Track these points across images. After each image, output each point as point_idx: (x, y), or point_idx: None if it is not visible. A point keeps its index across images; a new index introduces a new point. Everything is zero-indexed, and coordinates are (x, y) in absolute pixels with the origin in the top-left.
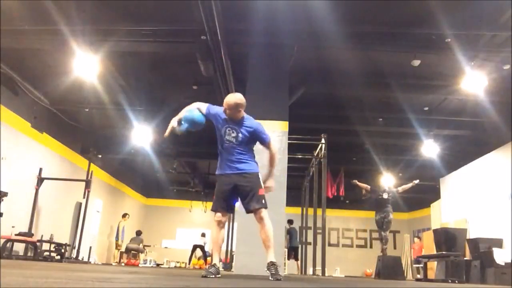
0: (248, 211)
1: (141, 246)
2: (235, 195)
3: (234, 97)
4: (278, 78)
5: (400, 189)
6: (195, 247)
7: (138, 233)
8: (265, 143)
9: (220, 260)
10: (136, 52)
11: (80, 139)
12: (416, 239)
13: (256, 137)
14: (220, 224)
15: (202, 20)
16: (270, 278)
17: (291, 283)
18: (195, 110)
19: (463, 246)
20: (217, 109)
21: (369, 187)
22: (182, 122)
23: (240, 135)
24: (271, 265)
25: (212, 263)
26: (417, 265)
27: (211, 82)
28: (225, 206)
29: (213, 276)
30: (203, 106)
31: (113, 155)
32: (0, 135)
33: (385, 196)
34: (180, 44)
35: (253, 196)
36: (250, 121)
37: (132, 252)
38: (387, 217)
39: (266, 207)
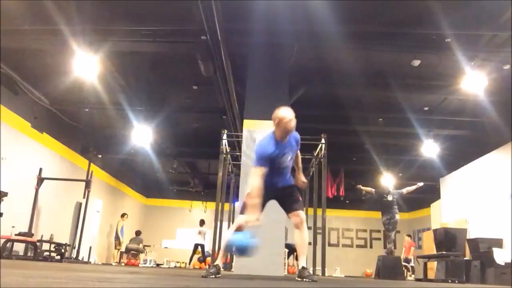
0: (289, 212)
1: (140, 246)
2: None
3: (290, 110)
4: (278, 78)
5: (405, 191)
6: (196, 246)
7: (138, 233)
8: (297, 150)
9: None
10: (136, 52)
11: (80, 139)
12: (406, 237)
13: (296, 147)
14: (241, 228)
15: (202, 20)
16: (305, 280)
17: (291, 283)
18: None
19: (463, 246)
20: (263, 150)
21: (373, 190)
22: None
23: (290, 152)
24: (304, 269)
25: (215, 263)
26: (406, 264)
27: (211, 82)
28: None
29: (213, 276)
30: (263, 169)
31: (113, 155)
32: (0, 135)
33: (389, 198)
34: (180, 44)
35: (295, 199)
36: (292, 135)
37: (132, 252)
38: (393, 218)
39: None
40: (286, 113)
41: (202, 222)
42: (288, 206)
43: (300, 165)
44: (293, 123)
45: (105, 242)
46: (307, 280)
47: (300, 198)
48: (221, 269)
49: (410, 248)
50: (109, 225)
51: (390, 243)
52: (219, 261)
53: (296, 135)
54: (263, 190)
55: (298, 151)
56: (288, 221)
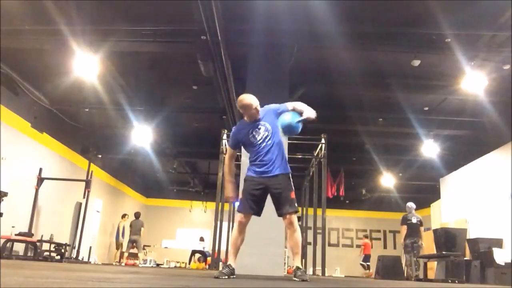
0: (279, 214)
1: (142, 230)
2: (264, 198)
3: (244, 98)
4: (278, 78)
5: (422, 229)
6: (193, 252)
7: (137, 215)
8: (287, 109)
9: (220, 260)
10: (136, 52)
11: (80, 139)
12: (364, 238)
13: (280, 115)
14: (241, 225)
15: (202, 20)
16: (296, 279)
17: (291, 283)
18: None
19: (463, 246)
20: (236, 132)
21: (405, 226)
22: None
23: (269, 128)
24: (297, 269)
25: (227, 263)
26: (364, 263)
27: (211, 82)
28: (254, 208)
29: (226, 277)
30: (230, 150)
31: (113, 155)
32: (0, 135)
33: (414, 220)
34: (180, 44)
35: (285, 199)
36: (266, 110)
37: (131, 252)
38: (417, 242)
39: (297, 211)
40: (239, 98)
41: (201, 239)
42: (279, 209)
43: (302, 106)
44: (242, 103)
45: (105, 242)
46: (297, 279)
47: (293, 194)
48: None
49: (361, 247)
50: (109, 225)
51: (418, 269)
52: (231, 261)
53: (272, 107)
54: (232, 171)
55: (295, 105)
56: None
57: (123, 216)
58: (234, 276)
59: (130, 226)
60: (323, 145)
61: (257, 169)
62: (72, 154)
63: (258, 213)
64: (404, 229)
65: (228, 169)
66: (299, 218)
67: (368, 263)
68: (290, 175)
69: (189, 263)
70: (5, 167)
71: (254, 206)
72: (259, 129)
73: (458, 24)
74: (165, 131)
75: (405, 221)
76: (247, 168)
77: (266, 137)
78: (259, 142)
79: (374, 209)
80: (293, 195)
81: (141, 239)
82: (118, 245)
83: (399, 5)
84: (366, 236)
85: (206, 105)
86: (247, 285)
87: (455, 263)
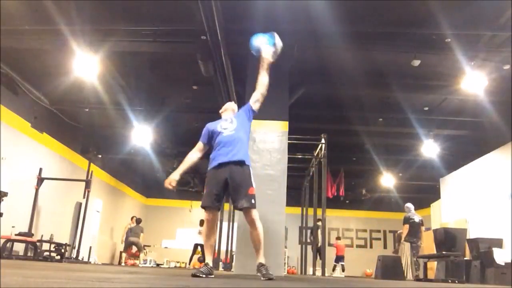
0: (236, 208)
1: (141, 235)
2: (225, 191)
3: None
4: (278, 78)
5: (423, 229)
6: (196, 246)
7: (138, 221)
8: (251, 108)
9: (220, 260)
10: (136, 52)
11: (80, 139)
12: (336, 239)
13: (245, 114)
14: (209, 223)
15: (202, 20)
16: (261, 278)
17: (290, 283)
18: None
19: (463, 246)
20: (207, 130)
21: (407, 225)
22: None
23: (234, 120)
24: (261, 266)
25: (205, 262)
26: (338, 263)
27: (211, 82)
28: (216, 201)
29: (204, 276)
30: (200, 143)
31: (113, 155)
32: (0, 135)
33: (416, 219)
34: (180, 44)
35: (243, 193)
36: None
37: (133, 246)
38: (416, 243)
39: (255, 208)
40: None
41: (201, 222)
42: (235, 202)
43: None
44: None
45: (105, 242)
46: (263, 278)
47: (252, 190)
48: (220, 268)
49: (342, 249)
50: (109, 225)
51: (419, 269)
52: (208, 260)
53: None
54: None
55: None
56: (287, 221)
57: (131, 218)
58: (213, 276)
59: (130, 230)
60: (323, 145)
61: (222, 157)
62: (72, 154)
63: (219, 206)
64: (406, 228)
65: (186, 158)
66: (319, 222)
67: (342, 263)
68: (251, 170)
69: (189, 263)
70: (5, 167)
71: (216, 199)
72: (226, 122)
73: (458, 24)
74: (165, 131)
75: (407, 220)
76: (209, 163)
77: (230, 127)
78: (222, 130)
79: (374, 209)
80: (252, 191)
81: (141, 241)
82: (128, 247)
83: (399, 5)
84: (338, 238)
85: (206, 105)
86: (247, 285)
87: (455, 263)
